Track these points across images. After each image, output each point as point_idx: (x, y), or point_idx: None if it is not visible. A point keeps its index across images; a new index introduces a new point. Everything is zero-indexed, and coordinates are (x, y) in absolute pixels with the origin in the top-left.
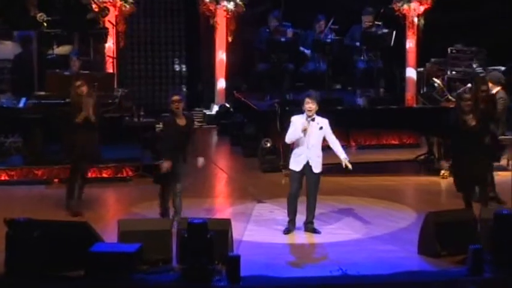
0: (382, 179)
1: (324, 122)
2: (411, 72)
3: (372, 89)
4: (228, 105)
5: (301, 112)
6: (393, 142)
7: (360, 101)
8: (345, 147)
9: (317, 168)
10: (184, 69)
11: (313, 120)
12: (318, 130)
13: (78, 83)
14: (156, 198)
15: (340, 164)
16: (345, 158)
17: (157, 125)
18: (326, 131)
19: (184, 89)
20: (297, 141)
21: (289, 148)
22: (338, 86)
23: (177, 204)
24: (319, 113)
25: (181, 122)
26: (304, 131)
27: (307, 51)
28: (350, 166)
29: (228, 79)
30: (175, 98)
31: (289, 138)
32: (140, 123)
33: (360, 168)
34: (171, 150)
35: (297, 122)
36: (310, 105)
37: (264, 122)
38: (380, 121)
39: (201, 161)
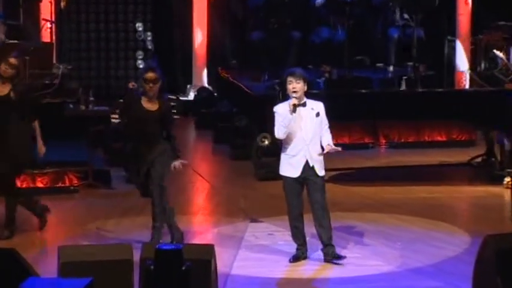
0: (422, 189)
1: (319, 106)
2: (464, 43)
3: (410, 66)
4: (210, 88)
5: (287, 99)
6: (439, 139)
7: (392, 82)
8: (372, 146)
9: (321, 169)
10: (150, 38)
11: (303, 105)
12: (314, 117)
13: (11, 60)
14: (112, 216)
15: (364, 169)
16: (329, 143)
17: (112, 115)
18: (322, 118)
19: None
20: (288, 137)
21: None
22: (362, 61)
23: (169, 219)
24: (331, 96)
25: (152, 106)
26: (294, 108)
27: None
28: (338, 148)
29: (210, 52)
30: (150, 75)
31: (279, 130)
32: (89, 112)
33: (393, 175)
34: (135, 147)
35: (282, 111)
36: (293, 85)
37: (261, 110)
38: (420, 109)
39: (176, 164)
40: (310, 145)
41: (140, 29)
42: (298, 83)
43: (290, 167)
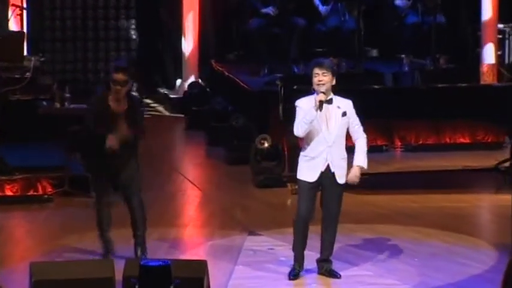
0: (443, 198)
1: (346, 104)
2: (490, 31)
3: (429, 57)
4: (202, 83)
5: (311, 93)
6: (462, 141)
7: (409, 76)
8: (386, 148)
9: (342, 176)
10: (133, 26)
11: (329, 102)
12: (340, 117)
13: None
14: (92, 228)
15: (377, 175)
16: (359, 165)
17: None
18: (351, 119)
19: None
20: (308, 136)
21: (297, 148)
22: (374, 53)
23: (137, 230)
24: (339, 92)
25: (119, 107)
26: (320, 104)
27: (322, 9)
28: (356, 180)
29: (202, 42)
30: (119, 77)
31: (300, 126)
32: (65, 110)
33: (410, 182)
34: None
35: (306, 106)
36: (320, 77)
37: (260, 109)
38: (441, 107)
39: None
40: (333, 147)
41: (123, 16)
42: (325, 75)
43: (308, 170)
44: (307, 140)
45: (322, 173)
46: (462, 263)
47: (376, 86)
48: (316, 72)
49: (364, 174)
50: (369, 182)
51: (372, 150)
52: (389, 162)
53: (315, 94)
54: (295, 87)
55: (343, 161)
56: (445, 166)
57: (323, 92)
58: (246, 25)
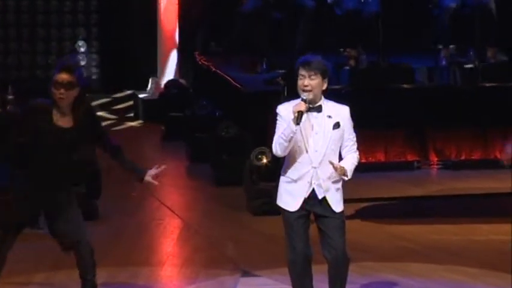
0: (492, 229)
1: (341, 113)
2: None
3: (472, 49)
4: (182, 81)
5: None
6: None
7: (447, 73)
8: (418, 165)
9: (338, 203)
10: (94, 9)
11: (318, 110)
12: (330, 129)
13: None
14: (41, 269)
15: (406, 200)
16: (344, 168)
17: None
18: (345, 133)
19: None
20: (290, 153)
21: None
22: (403, 43)
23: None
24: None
25: (64, 121)
26: (299, 116)
27: None
28: (345, 177)
29: (182, 29)
30: (63, 77)
31: (278, 144)
32: (9, 116)
33: (449, 208)
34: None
35: (289, 113)
36: (306, 80)
37: (256, 114)
38: (488, 113)
39: (150, 179)
40: (320, 169)
41: None
42: (313, 79)
43: (288, 196)
44: (289, 159)
45: (306, 200)
46: None
47: (405, 85)
48: (302, 73)
49: (390, 198)
50: (396, 208)
51: (399, 167)
52: (422, 183)
53: (297, 100)
54: None
55: (337, 182)
56: (494, 188)
57: (304, 99)
58: (239, 7)
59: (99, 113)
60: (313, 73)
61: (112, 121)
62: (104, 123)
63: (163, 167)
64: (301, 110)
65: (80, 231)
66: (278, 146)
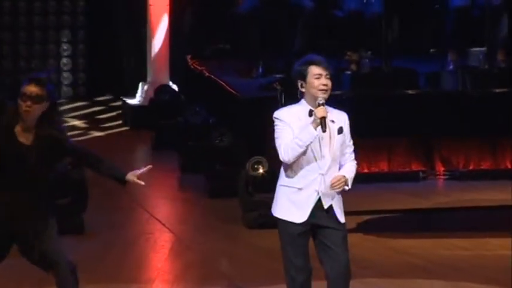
0: (503, 243)
1: (341, 118)
2: None
3: (482, 52)
4: (174, 87)
5: (297, 101)
6: None
7: (454, 77)
8: (423, 175)
9: (342, 213)
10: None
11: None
12: (335, 135)
13: None
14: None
15: (411, 212)
16: (346, 177)
17: None
18: (346, 137)
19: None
20: (297, 160)
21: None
22: (407, 46)
23: None
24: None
25: (26, 139)
26: (323, 121)
27: None
28: (347, 185)
29: (174, 32)
30: (31, 90)
31: (291, 150)
32: None
33: (457, 221)
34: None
35: (292, 118)
36: (324, 80)
37: (252, 121)
38: (499, 120)
39: (134, 179)
40: (327, 175)
41: None
42: (328, 78)
43: (293, 206)
44: (293, 165)
45: (313, 211)
46: None
47: (409, 91)
48: (318, 72)
49: (393, 211)
50: (400, 221)
51: (404, 178)
52: (428, 195)
53: (299, 104)
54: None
55: (338, 192)
56: (504, 200)
57: (321, 104)
58: (234, 8)
59: (84, 121)
60: (328, 72)
61: (98, 129)
62: (89, 132)
63: (149, 166)
64: (325, 116)
65: (59, 252)
66: (291, 152)
